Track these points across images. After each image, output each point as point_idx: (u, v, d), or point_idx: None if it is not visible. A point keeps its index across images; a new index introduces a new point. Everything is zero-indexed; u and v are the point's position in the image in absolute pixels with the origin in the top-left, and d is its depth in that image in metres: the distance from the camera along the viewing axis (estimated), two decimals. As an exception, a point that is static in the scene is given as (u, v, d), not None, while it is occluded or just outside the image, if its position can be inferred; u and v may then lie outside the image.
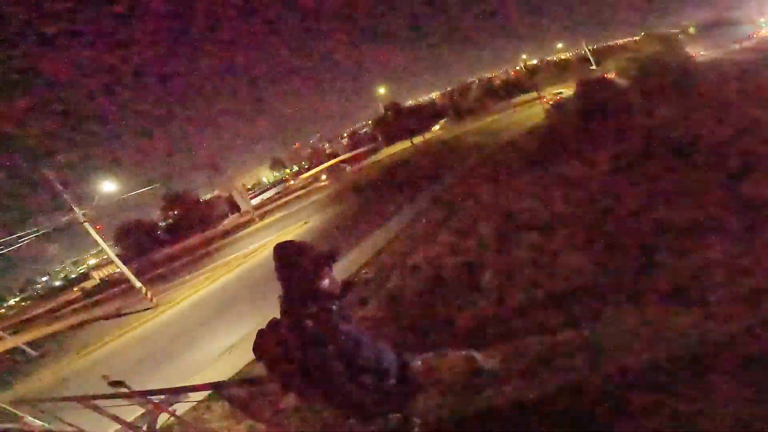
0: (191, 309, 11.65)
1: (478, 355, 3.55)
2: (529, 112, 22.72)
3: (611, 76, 22.24)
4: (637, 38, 30.92)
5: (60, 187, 12.72)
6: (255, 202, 35.48)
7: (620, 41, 33.70)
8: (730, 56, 29.59)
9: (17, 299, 31.37)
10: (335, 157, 38.17)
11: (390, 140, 28.79)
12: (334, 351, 1.84)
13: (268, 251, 9.36)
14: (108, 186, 14.65)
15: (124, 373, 8.12)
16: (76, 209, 13.14)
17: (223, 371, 6.56)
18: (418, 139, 27.00)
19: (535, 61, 36.45)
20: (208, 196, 43.29)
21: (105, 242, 13.88)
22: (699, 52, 29.07)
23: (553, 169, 12.61)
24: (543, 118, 15.43)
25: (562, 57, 32.79)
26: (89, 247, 37.48)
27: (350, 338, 1.95)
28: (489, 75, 37.50)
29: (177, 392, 4.52)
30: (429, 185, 13.93)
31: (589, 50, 30.36)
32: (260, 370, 6.83)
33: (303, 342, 1.82)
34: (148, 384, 6.29)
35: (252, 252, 14.32)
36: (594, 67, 24.49)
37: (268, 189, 45.86)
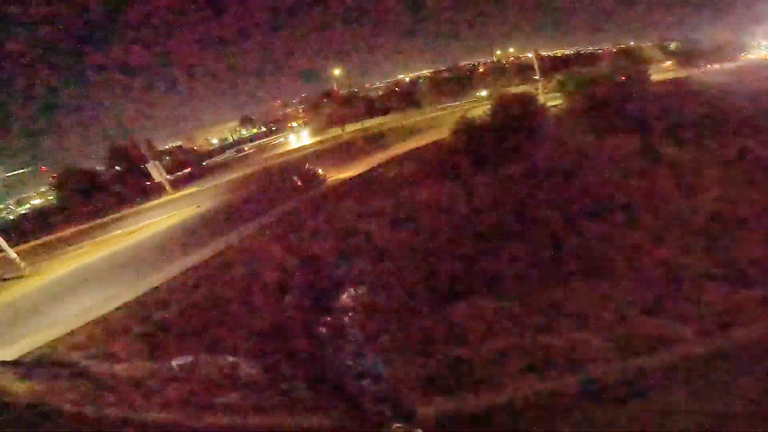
0: (54, 283, 12.07)
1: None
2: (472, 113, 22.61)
3: (540, 91, 22.18)
4: (604, 50, 30.37)
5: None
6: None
7: (591, 50, 33.06)
8: (698, 77, 29.40)
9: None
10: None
11: (325, 125, 28.87)
12: (339, 357, 1.95)
13: (144, 233, 10.24)
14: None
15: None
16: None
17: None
18: (354, 127, 27.02)
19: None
20: (168, 146, 42.79)
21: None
22: (663, 71, 28.66)
23: (430, 187, 13.05)
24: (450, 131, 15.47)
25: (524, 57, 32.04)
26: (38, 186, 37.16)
27: (356, 346, 2.06)
28: (467, 63, 36.59)
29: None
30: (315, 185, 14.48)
31: (551, 56, 30.02)
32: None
33: (313, 346, 1.91)
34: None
35: (132, 232, 14.61)
36: (537, 77, 24.18)
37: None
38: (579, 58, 29.77)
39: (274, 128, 44.64)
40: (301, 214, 12.10)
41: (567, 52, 33.86)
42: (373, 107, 29.92)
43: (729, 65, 34.48)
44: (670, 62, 30.37)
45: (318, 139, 28.01)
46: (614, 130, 16.69)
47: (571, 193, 11.16)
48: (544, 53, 32.01)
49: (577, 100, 19.49)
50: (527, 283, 7.61)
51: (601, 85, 20.54)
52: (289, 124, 38.42)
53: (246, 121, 50.27)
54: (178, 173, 31.41)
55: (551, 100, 21.26)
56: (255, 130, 46.87)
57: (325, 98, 29.37)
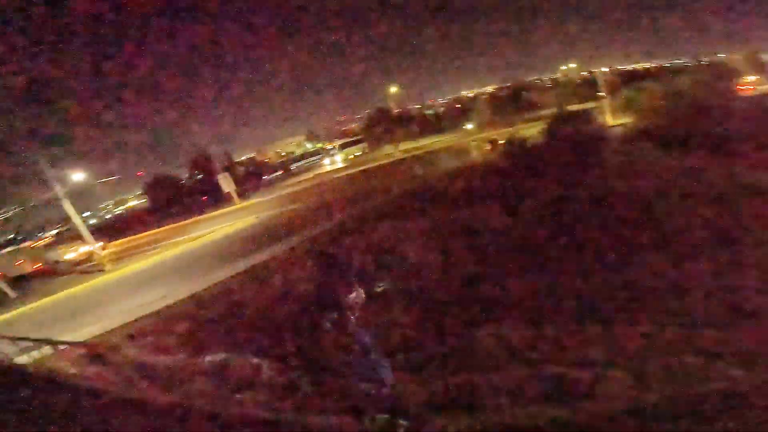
0: (125, 279, 13.74)
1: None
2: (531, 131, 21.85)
3: (606, 109, 20.63)
4: (689, 62, 27.65)
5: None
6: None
7: (677, 62, 30.33)
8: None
9: (53, 233, 34.97)
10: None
11: (379, 143, 29.37)
12: (342, 353, 2.02)
13: (205, 239, 11.80)
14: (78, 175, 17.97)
15: (54, 318, 10.57)
16: (57, 188, 16.19)
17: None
18: (409, 145, 27.22)
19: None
20: (244, 158, 46.53)
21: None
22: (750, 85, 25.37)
23: (468, 211, 12.86)
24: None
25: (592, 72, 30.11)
26: (136, 188, 42.46)
27: (359, 346, 2.13)
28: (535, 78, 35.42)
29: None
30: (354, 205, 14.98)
31: (629, 70, 28.03)
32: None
33: (318, 340, 2.05)
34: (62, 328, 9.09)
35: (196, 237, 16.25)
36: (602, 93, 22.57)
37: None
38: (658, 72, 27.50)
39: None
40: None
41: (647, 65, 31.44)
42: (428, 125, 30.00)
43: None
44: (758, 76, 26.79)
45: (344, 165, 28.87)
46: (690, 153, 15.26)
47: (626, 222, 10.36)
48: (620, 67, 30.15)
49: (647, 118, 18.04)
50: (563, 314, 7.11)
51: (677, 102, 18.85)
52: (325, 146, 39.58)
53: (312, 136, 53.21)
54: (269, 176, 35.16)
55: (619, 118, 19.87)
56: (320, 145, 49.27)
57: (379, 116, 29.99)
